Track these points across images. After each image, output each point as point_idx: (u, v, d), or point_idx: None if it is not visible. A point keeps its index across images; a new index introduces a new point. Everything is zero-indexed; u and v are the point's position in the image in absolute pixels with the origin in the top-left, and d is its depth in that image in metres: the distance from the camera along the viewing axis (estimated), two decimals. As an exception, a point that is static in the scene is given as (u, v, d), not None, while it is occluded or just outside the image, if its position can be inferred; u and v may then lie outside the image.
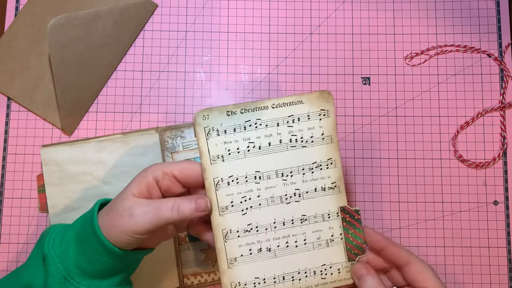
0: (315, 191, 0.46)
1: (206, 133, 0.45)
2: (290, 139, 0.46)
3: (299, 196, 0.46)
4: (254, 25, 0.62)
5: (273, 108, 0.45)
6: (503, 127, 0.59)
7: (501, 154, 0.59)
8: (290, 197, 0.46)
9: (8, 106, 0.60)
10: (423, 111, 0.60)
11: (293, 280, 0.46)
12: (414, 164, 0.59)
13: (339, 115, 0.60)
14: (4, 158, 0.59)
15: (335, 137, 0.46)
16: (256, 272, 0.45)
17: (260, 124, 0.45)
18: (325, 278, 0.46)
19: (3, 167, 0.59)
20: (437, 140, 0.59)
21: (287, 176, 0.46)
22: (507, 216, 0.58)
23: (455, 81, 0.60)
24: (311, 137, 0.46)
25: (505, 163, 0.59)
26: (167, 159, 0.57)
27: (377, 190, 0.59)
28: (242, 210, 0.45)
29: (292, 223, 0.46)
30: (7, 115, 0.60)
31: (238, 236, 0.45)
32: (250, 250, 0.45)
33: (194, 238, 0.56)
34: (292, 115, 0.45)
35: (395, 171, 0.59)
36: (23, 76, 0.60)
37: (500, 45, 0.60)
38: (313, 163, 0.46)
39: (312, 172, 0.46)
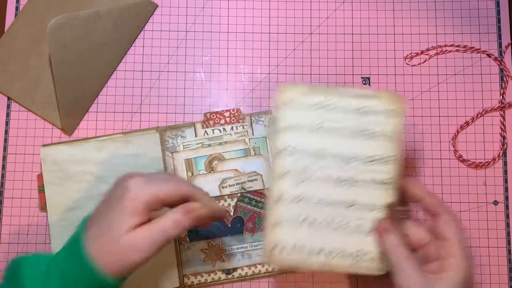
0: (369, 182, 0.48)
1: (283, 104, 0.49)
2: (358, 129, 0.48)
3: (353, 182, 0.48)
4: (254, 25, 0.62)
5: (350, 96, 0.48)
6: (503, 127, 0.59)
7: (501, 154, 0.59)
8: (345, 181, 0.48)
9: (8, 106, 0.60)
10: (423, 111, 0.60)
11: (327, 256, 0.47)
12: (414, 164, 0.59)
13: (339, 115, 0.60)
14: (4, 158, 0.59)
15: (400, 137, 0.48)
16: (296, 240, 0.47)
17: (334, 108, 0.48)
18: (357, 263, 0.47)
19: (3, 167, 0.59)
20: (437, 140, 0.59)
21: (346, 161, 0.48)
22: (507, 216, 0.58)
23: (455, 81, 0.60)
24: (377, 131, 0.48)
25: (505, 163, 0.59)
26: (167, 159, 0.57)
27: (377, 190, 0.59)
28: (298, 180, 0.48)
29: (339, 205, 0.48)
30: (7, 115, 0.60)
31: (289, 202, 0.47)
32: (295, 218, 0.47)
33: (194, 238, 0.56)
34: (365, 107, 0.48)
35: (395, 171, 0.59)
36: (23, 76, 0.60)
37: (500, 45, 0.60)
38: (374, 155, 0.48)
39: (371, 164, 0.48)
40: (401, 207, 0.48)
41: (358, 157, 0.48)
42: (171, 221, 0.42)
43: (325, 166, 0.48)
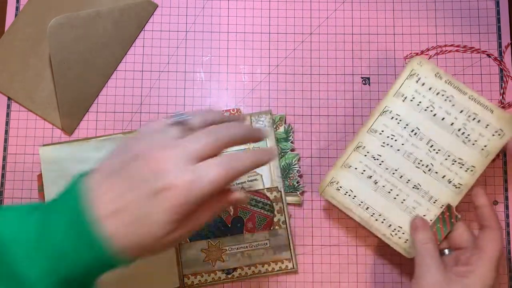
0: (442, 177, 0.52)
1: (410, 74, 0.52)
2: (460, 129, 0.51)
3: (429, 170, 0.52)
4: (254, 25, 0.62)
5: (469, 98, 0.51)
6: (503, 127, 0.59)
7: (500, 154, 0.59)
8: (422, 165, 0.52)
9: (8, 106, 0.60)
10: (423, 111, 0.60)
11: (372, 215, 0.53)
12: (414, 164, 0.59)
13: (339, 115, 0.60)
14: (4, 158, 0.59)
15: (492, 156, 0.51)
16: (354, 187, 0.53)
17: (450, 101, 0.52)
18: (392, 236, 0.52)
19: (3, 167, 0.59)
20: (437, 140, 0.59)
21: (434, 150, 0.52)
22: (507, 216, 0.58)
23: (455, 81, 0.60)
24: (476, 141, 0.51)
25: (505, 163, 0.59)
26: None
27: (377, 190, 0.59)
28: (384, 143, 0.52)
29: (407, 182, 0.52)
30: (7, 115, 0.60)
31: (365, 155, 0.53)
32: (364, 170, 0.53)
33: (194, 238, 0.56)
34: (477, 114, 0.51)
35: (395, 171, 0.59)
36: (23, 76, 0.60)
37: (500, 45, 0.60)
38: (459, 158, 0.51)
39: (452, 164, 0.52)
40: (456, 212, 0.51)
41: (445, 152, 0.52)
42: (212, 213, 0.38)
43: (413, 143, 0.52)
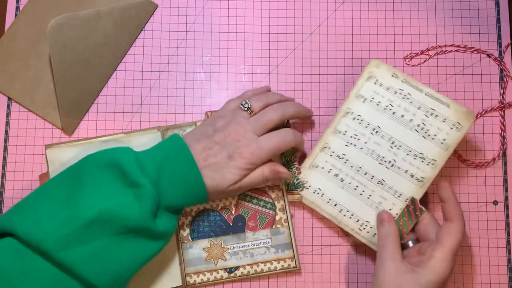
0: (405, 172, 0.54)
1: (368, 76, 0.55)
2: (419, 124, 0.54)
3: (392, 166, 0.54)
4: (254, 25, 0.62)
5: (425, 95, 0.54)
6: (502, 127, 0.59)
7: (500, 154, 0.59)
8: (385, 161, 0.54)
9: (9, 106, 0.60)
10: (423, 111, 0.60)
11: (340, 211, 0.55)
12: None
13: (339, 115, 0.60)
14: (4, 158, 0.59)
15: (452, 149, 0.53)
16: (322, 186, 0.55)
17: (408, 99, 0.54)
18: (360, 230, 0.54)
19: (4, 167, 0.59)
20: (437, 140, 0.59)
21: (395, 146, 0.54)
22: (507, 216, 0.58)
23: (455, 81, 0.60)
24: (435, 135, 0.53)
25: (505, 163, 0.59)
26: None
27: (377, 190, 0.59)
28: (347, 142, 0.55)
29: (371, 178, 0.54)
30: (8, 115, 0.60)
31: (330, 155, 0.55)
32: (330, 169, 0.55)
33: (196, 236, 0.57)
34: (435, 110, 0.53)
35: (395, 171, 0.59)
36: (23, 76, 0.60)
37: (500, 45, 0.60)
38: (420, 153, 0.53)
39: (414, 158, 0.53)
40: (422, 206, 0.52)
41: (406, 147, 0.54)
42: (261, 173, 0.51)
43: (375, 141, 0.54)
